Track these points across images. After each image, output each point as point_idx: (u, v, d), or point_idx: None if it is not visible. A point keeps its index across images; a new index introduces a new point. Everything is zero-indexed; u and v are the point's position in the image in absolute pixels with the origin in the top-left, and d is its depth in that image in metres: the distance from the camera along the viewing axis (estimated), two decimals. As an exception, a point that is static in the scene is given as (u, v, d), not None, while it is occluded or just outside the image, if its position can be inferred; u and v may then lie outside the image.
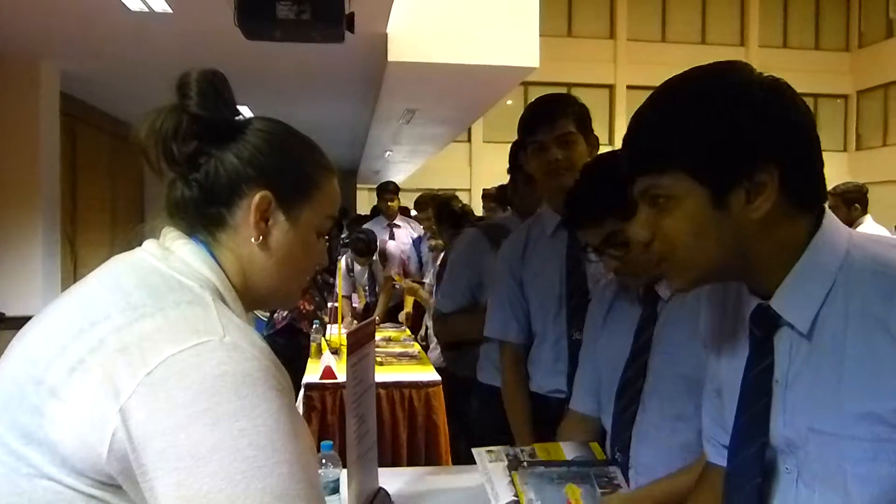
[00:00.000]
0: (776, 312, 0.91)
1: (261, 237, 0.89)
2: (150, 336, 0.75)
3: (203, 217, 0.89)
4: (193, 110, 0.86)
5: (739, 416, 0.95)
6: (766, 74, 0.90)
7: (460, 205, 4.16)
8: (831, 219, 0.92)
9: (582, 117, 1.91)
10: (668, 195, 0.89)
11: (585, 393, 1.63)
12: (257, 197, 0.88)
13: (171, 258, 0.86)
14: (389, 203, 5.90)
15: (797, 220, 0.90)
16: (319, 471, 1.52)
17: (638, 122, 0.94)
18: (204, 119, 0.87)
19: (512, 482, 1.39)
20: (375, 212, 6.77)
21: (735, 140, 0.85)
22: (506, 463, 1.43)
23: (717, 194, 0.87)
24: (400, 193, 6.08)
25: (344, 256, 5.21)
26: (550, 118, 1.87)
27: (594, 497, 1.39)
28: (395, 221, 5.92)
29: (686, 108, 0.88)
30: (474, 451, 1.47)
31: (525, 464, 1.43)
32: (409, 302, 4.73)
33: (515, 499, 1.36)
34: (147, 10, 4.00)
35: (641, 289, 1.47)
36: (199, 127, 0.87)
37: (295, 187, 0.92)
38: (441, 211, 4.05)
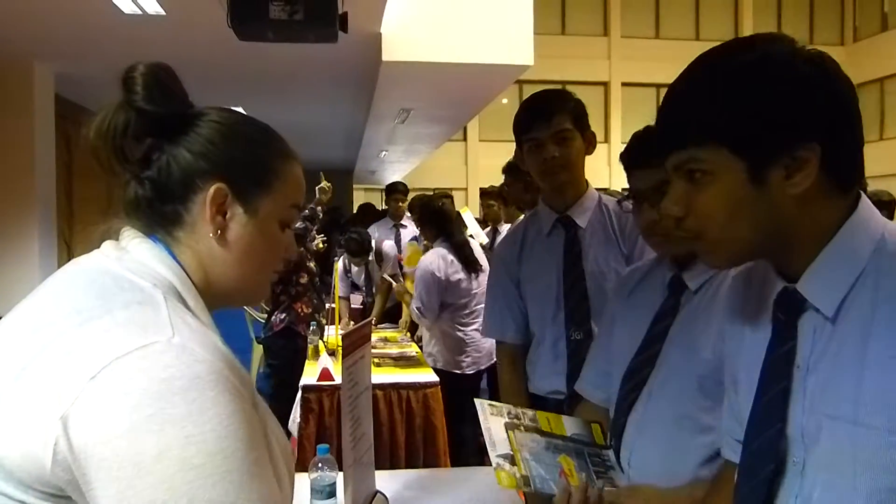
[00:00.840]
0: (802, 296, 0.89)
1: (219, 231, 0.86)
2: (94, 339, 0.72)
3: (159, 215, 0.86)
4: (140, 105, 0.83)
5: (757, 401, 0.94)
6: (808, 47, 0.88)
7: (440, 203, 4.14)
8: (867, 203, 0.90)
9: (578, 113, 1.88)
10: (705, 170, 0.87)
11: (595, 379, 1.59)
12: (212, 190, 0.85)
13: (125, 258, 0.82)
14: (400, 203, 5.88)
15: (834, 199, 0.88)
16: (315, 474, 1.51)
17: (675, 94, 0.91)
18: (151, 113, 0.83)
19: (508, 440, 1.39)
20: (382, 212, 6.77)
21: (778, 114, 0.83)
22: (505, 420, 1.42)
23: (755, 170, 0.85)
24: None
25: (341, 257, 5.20)
26: (546, 115, 1.85)
27: (587, 471, 1.37)
28: (401, 222, 5.90)
29: (728, 79, 0.86)
30: (477, 401, 1.45)
31: (522, 428, 1.42)
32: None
33: (510, 452, 1.36)
34: (140, 12, 3.99)
35: (669, 275, 1.42)
36: (147, 122, 0.83)
37: (251, 177, 0.88)
38: (423, 212, 4.06)
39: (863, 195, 0.92)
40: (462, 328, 3.85)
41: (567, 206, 1.94)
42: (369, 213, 7.03)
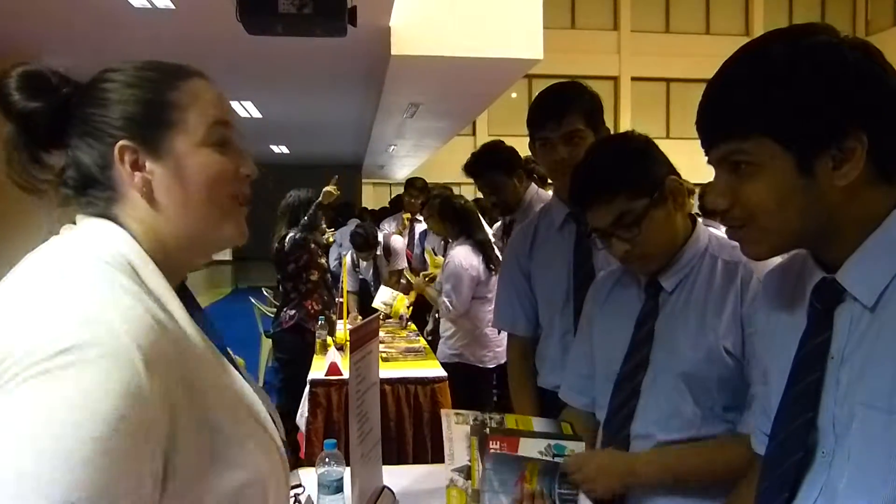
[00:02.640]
0: (840, 286, 0.89)
1: (145, 189, 0.82)
2: (11, 320, 0.70)
3: (93, 204, 0.83)
4: (21, 106, 0.80)
5: (787, 391, 0.93)
6: (853, 36, 0.88)
7: (462, 201, 4.17)
8: None
9: (591, 110, 1.84)
10: (752, 161, 0.87)
11: (577, 384, 1.59)
12: (115, 151, 0.81)
13: (78, 237, 0.81)
14: (413, 200, 5.87)
15: (880, 189, 0.87)
16: (322, 469, 1.51)
17: (719, 85, 0.90)
18: (36, 113, 0.81)
19: (469, 446, 1.37)
20: (398, 206, 6.75)
21: (825, 104, 0.83)
22: (470, 425, 1.41)
23: (803, 161, 0.84)
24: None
25: (349, 252, 5.20)
26: (557, 115, 1.81)
27: (553, 474, 1.34)
28: (416, 217, 5.89)
29: (773, 69, 0.85)
30: (443, 412, 1.46)
31: (488, 430, 1.40)
32: (412, 295, 4.71)
33: (468, 464, 1.35)
34: (150, 6, 4.00)
35: (644, 279, 1.44)
36: (36, 123, 0.81)
37: (147, 123, 0.82)
38: (445, 209, 4.08)
39: None
40: (488, 323, 3.90)
41: None
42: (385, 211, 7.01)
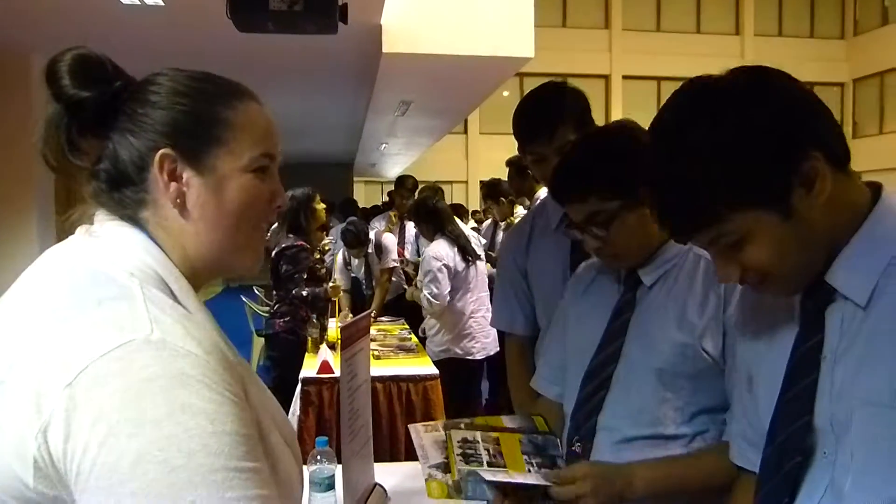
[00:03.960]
0: (830, 286, 0.90)
1: (178, 200, 0.80)
2: (68, 343, 0.68)
3: (122, 203, 0.81)
4: (70, 93, 0.78)
5: (783, 395, 0.94)
6: (743, 67, 0.90)
7: (434, 201, 4.26)
8: (889, 192, 0.92)
9: (580, 114, 1.79)
10: (739, 235, 0.88)
11: (550, 374, 1.58)
12: (157, 158, 0.79)
13: (98, 246, 0.78)
14: (404, 201, 5.86)
15: (845, 180, 0.89)
16: (314, 467, 1.51)
17: (673, 187, 0.90)
18: (84, 101, 0.79)
19: (446, 443, 1.37)
20: (390, 204, 6.76)
21: (774, 152, 0.84)
22: (440, 430, 1.41)
23: (781, 208, 0.85)
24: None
25: (341, 250, 5.19)
26: (547, 131, 1.75)
27: (533, 444, 1.35)
28: (406, 215, 5.90)
29: (711, 150, 0.85)
30: (411, 426, 1.44)
31: (462, 426, 1.39)
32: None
33: (445, 459, 1.35)
34: (139, 3, 3.97)
35: (623, 271, 1.44)
36: (83, 111, 0.79)
37: (196, 135, 0.81)
38: (419, 211, 4.20)
39: (883, 186, 0.93)
40: (472, 314, 4.01)
41: None
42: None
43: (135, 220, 0.81)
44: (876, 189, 0.93)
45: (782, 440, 0.93)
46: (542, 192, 4.81)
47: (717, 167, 0.84)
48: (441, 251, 3.97)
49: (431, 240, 4.13)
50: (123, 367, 0.66)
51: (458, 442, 1.35)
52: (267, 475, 0.72)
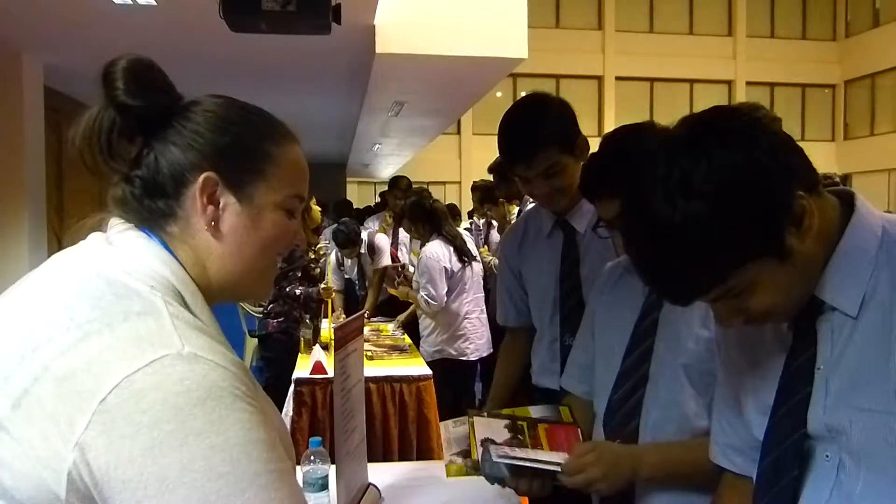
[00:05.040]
0: (820, 300, 0.90)
1: (213, 223, 0.83)
2: (98, 357, 0.69)
3: (152, 211, 0.83)
4: (122, 100, 0.80)
5: (777, 408, 0.94)
6: (700, 120, 0.88)
7: (432, 201, 4.26)
8: (862, 200, 0.93)
9: (563, 135, 1.75)
10: (742, 287, 0.87)
11: (578, 373, 1.60)
12: (200, 180, 0.81)
13: (116, 255, 0.79)
14: (398, 201, 5.86)
15: (822, 200, 0.90)
16: (308, 467, 1.51)
17: (669, 269, 0.88)
18: (135, 109, 0.80)
19: (469, 426, 1.39)
20: (383, 204, 6.75)
21: (765, 207, 0.83)
22: (465, 423, 1.42)
23: (778, 251, 0.85)
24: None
25: (333, 251, 5.18)
26: (528, 157, 1.74)
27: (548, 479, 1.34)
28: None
29: (703, 225, 0.82)
30: (441, 423, 1.48)
31: (486, 414, 1.43)
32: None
33: (467, 447, 1.36)
34: (131, 2, 3.95)
35: None
36: (132, 118, 0.81)
37: (242, 164, 0.84)
38: (416, 211, 4.19)
39: (857, 193, 0.94)
40: (467, 316, 4.01)
41: (565, 211, 1.91)
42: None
43: (156, 232, 0.83)
44: (846, 197, 0.93)
45: (778, 454, 0.94)
46: None
47: (711, 240, 0.83)
48: (438, 252, 3.96)
49: (427, 240, 4.12)
50: (159, 381, 0.68)
51: (481, 430, 1.40)
52: (292, 471, 0.76)
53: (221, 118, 0.85)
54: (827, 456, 0.90)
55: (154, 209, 0.83)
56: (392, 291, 4.72)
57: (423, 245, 4.26)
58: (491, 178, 5.22)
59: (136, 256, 0.79)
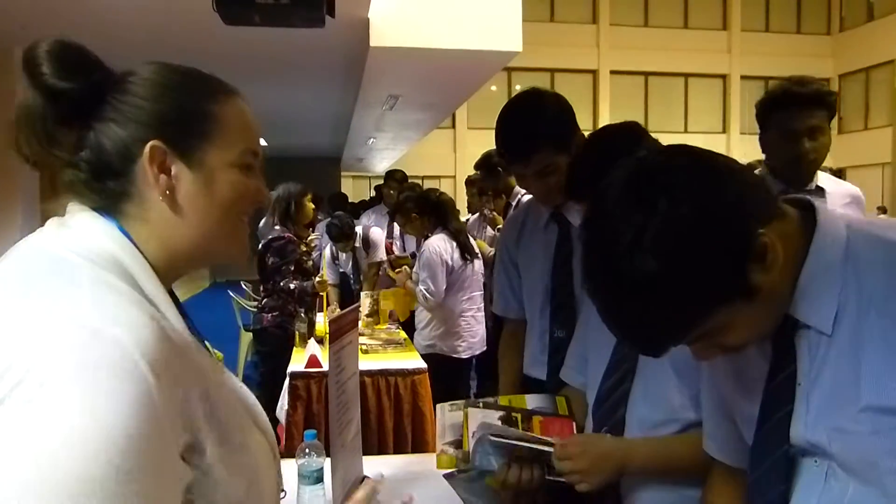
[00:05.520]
0: (795, 318, 0.90)
1: (167, 192, 0.80)
2: (5, 329, 0.66)
3: (104, 194, 0.81)
4: (49, 83, 0.77)
5: (761, 424, 0.94)
6: (662, 155, 0.89)
7: (438, 194, 4.23)
8: (824, 212, 0.91)
9: (560, 134, 1.75)
10: (716, 329, 0.87)
11: (576, 365, 1.62)
12: (147, 150, 0.79)
13: (66, 234, 0.78)
14: (392, 192, 5.85)
15: (782, 222, 0.88)
16: (303, 460, 1.51)
17: (637, 325, 0.87)
18: (64, 91, 0.78)
19: (463, 416, 1.39)
20: (378, 198, 6.74)
21: (721, 252, 0.82)
22: (460, 410, 1.43)
23: (745, 293, 0.84)
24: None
25: (328, 245, 5.18)
26: (524, 156, 1.74)
27: (539, 460, 1.35)
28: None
29: (666, 283, 0.81)
30: (437, 406, 1.49)
31: (481, 404, 1.43)
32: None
33: (459, 438, 1.37)
34: (123, -5, 3.94)
35: None
36: (64, 101, 0.78)
37: (186, 128, 0.81)
38: (422, 205, 4.14)
39: (818, 205, 0.92)
40: (462, 314, 3.97)
41: (560, 205, 1.92)
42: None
43: (111, 212, 0.81)
44: (806, 209, 0.92)
45: (764, 471, 0.94)
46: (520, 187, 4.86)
47: (674, 295, 0.82)
48: (441, 245, 3.91)
49: (430, 234, 4.06)
50: (50, 355, 0.64)
51: (475, 421, 1.40)
52: (170, 473, 0.69)
53: (157, 85, 0.82)
54: (815, 462, 0.90)
55: (106, 191, 0.81)
56: (391, 273, 4.71)
57: (424, 239, 4.22)
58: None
59: (85, 235, 0.78)
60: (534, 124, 1.75)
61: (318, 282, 4.09)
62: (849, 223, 0.91)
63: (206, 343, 0.92)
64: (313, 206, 4.39)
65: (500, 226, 4.75)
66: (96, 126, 0.80)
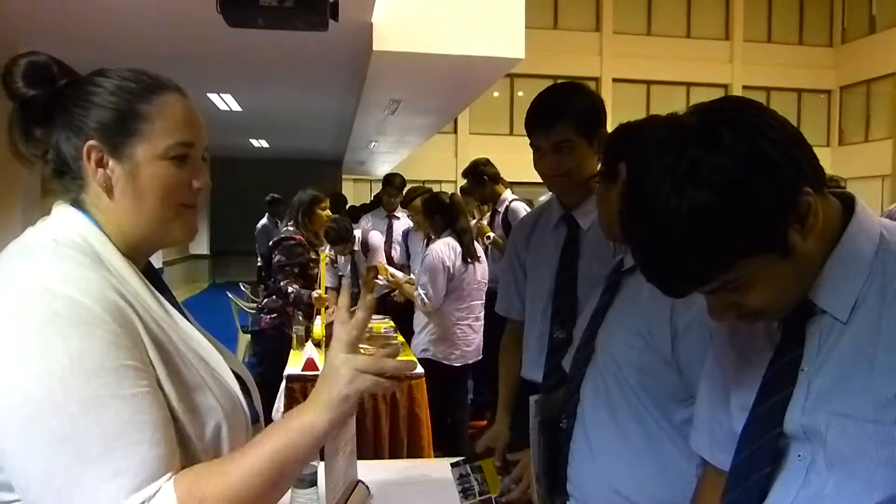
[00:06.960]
0: (812, 303, 0.90)
1: (104, 185, 0.94)
2: None
3: (67, 189, 0.96)
4: (21, 91, 0.93)
5: (757, 406, 0.94)
6: (713, 109, 0.87)
7: (449, 195, 4.20)
8: (863, 205, 0.92)
9: (585, 117, 1.78)
10: (742, 280, 0.86)
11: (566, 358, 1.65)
12: (84, 151, 0.93)
13: (43, 225, 0.93)
14: (392, 199, 5.86)
15: (826, 201, 0.89)
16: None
17: (673, 256, 0.85)
18: (32, 97, 0.93)
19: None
20: (377, 202, 6.74)
21: (773, 200, 0.82)
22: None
23: (780, 247, 0.84)
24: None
25: (327, 248, 5.17)
26: (546, 124, 1.77)
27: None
28: (395, 213, 5.89)
29: (711, 215, 0.81)
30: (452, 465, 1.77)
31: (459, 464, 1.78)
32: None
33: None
34: (128, -4, 3.95)
35: (615, 263, 1.51)
36: (32, 108, 0.94)
37: (117, 129, 0.94)
38: (432, 206, 4.09)
39: (857, 197, 0.93)
40: (457, 322, 3.93)
41: (572, 206, 1.92)
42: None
43: (78, 203, 0.96)
44: (847, 201, 0.93)
45: (751, 452, 0.94)
46: (507, 195, 4.85)
47: (716, 231, 0.81)
48: (445, 251, 3.87)
49: (439, 236, 4.02)
50: (8, 313, 0.81)
51: (457, 479, 1.75)
52: (139, 407, 0.83)
53: (95, 91, 0.95)
54: (799, 455, 0.90)
55: (67, 185, 0.96)
56: (383, 272, 4.70)
57: (429, 242, 4.20)
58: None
59: (58, 223, 0.93)
60: (563, 100, 1.82)
61: (317, 297, 3.99)
62: (884, 224, 0.92)
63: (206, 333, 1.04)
64: (330, 213, 4.37)
65: (488, 234, 4.74)
66: (57, 130, 0.95)
